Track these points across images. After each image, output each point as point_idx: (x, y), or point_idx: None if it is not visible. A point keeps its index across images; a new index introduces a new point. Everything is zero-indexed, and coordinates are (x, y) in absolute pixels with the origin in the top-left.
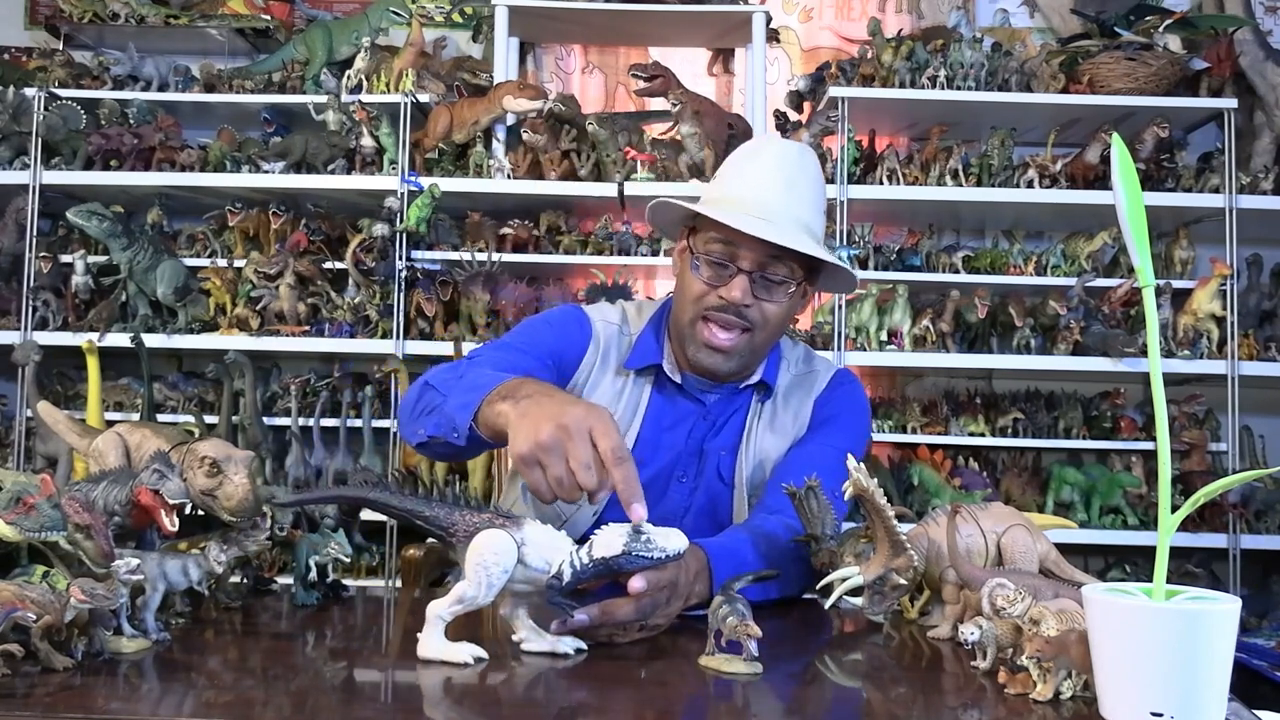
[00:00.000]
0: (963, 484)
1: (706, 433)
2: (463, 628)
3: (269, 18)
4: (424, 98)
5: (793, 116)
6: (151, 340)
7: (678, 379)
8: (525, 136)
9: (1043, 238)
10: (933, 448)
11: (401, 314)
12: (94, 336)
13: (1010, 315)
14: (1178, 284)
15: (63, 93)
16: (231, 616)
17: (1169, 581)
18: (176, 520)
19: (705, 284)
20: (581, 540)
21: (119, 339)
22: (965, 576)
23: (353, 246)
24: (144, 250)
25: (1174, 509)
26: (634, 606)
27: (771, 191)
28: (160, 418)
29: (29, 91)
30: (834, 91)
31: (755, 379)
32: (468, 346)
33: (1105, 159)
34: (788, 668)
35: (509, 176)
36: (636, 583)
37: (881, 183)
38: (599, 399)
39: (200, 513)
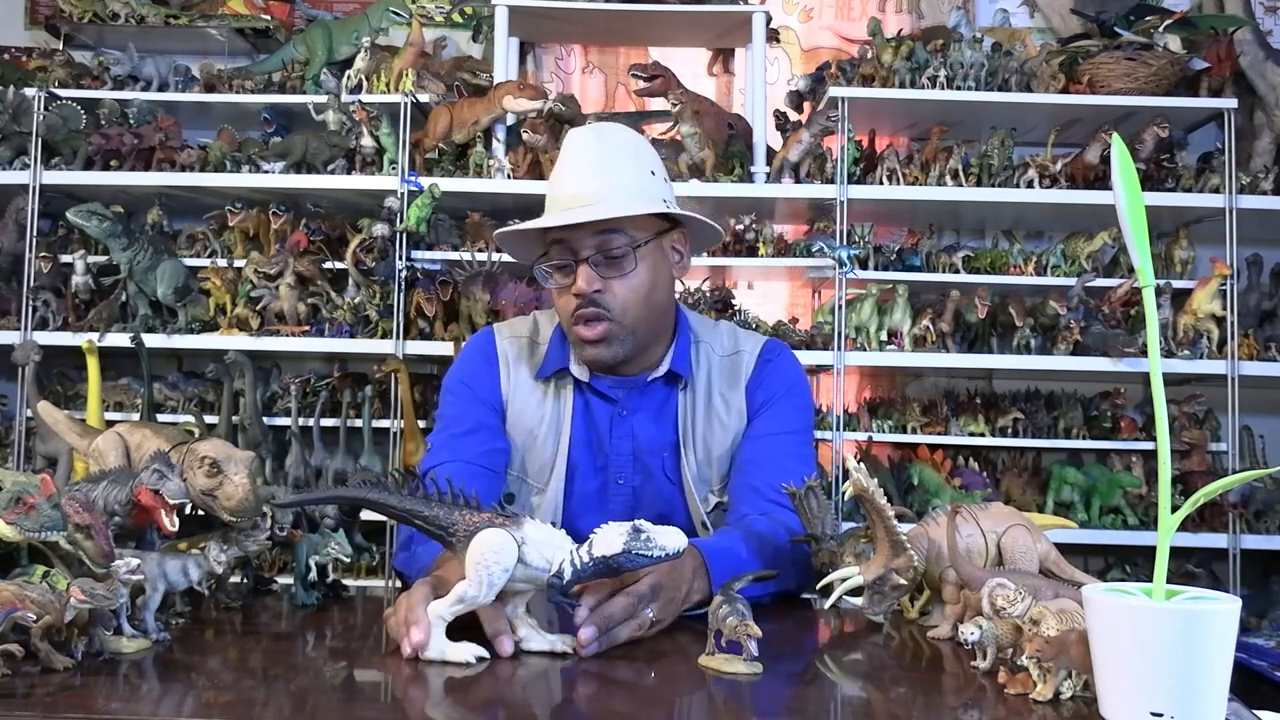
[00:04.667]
0: (963, 484)
1: (630, 430)
2: (463, 628)
3: (269, 18)
4: (424, 98)
5: (793, 116)
6: (151, 340)
7: (586, 378)
8: (525, 136)
9: (1043, 238)
10: (933, 448)
11: (401, 314)
12: (94, 336)
13: (1010, 315)
14: (1178, 284)
15: (63, 93)
16: (231, 616)
17: (1169, 581)
18: (176, 520)
19: (561, 290)
20: (581, 539)
21: (119, 339)
22: (965, 576)
23: (353, 246)
24: (144, 250)
25: (1174, 509)
26: (625, 601)
27: (580, 178)
28: (160, 418)
29: (29, 91)
30: (834, 91)
31: (663, 370)
32: None
33: (1105, 159)
34: (788, 668)
35: (509, 176)
36: (582, 612)
37: (881, 183)
38: (524, 413)
39: (200, 513)
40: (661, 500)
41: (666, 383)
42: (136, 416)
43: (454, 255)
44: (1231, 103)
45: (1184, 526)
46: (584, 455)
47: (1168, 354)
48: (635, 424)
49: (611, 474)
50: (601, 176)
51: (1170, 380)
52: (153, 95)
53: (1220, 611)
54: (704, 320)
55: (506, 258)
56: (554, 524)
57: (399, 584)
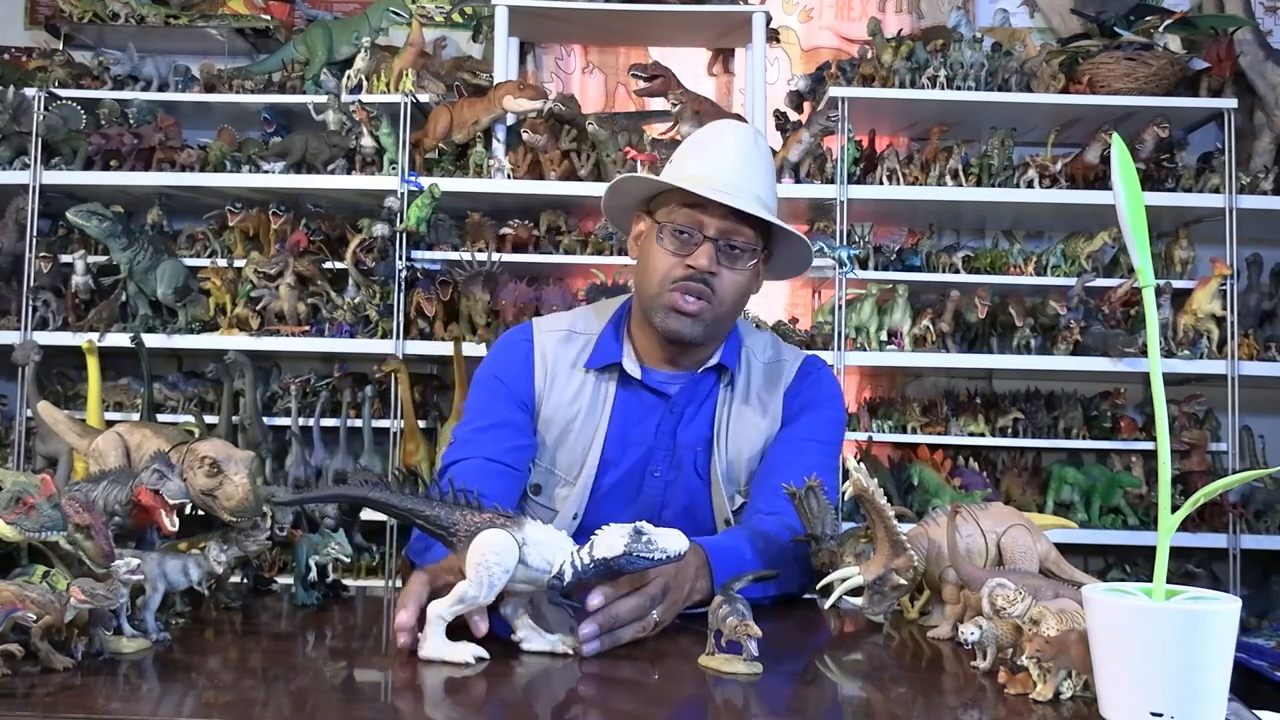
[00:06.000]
0: (963, 484)
1: (675, 425)
2: (463, 628)
3: (269, 18)
4: (424, 98)
5: (793, 116)
6: (151, 340)
7: (638, 375)
8: (525, 136)
9: (1043, 238)
10: (933, 448)
11: (401, 314)
12: (94, 336)
13: (1010, 315)
14: (1178, 284)
15: (63, 93)
16: (231, 616)
17: (1169, 581)
18: (176, 520)
19: (672, 254)
20: (582, 540)
21: (119, 339)
22: (965, 576)
23: (353, 246)
24: (144, 250)
25: (1174, 509)
26: (634, 602)
27: (730, 169)
28: (160, 418)
29: (29, 91)
30: (834, 91)
31: (714, 361)
32: (468, 347)
33: (1105, 159)
34: (788, 668)
35: (509, 176)
36: (594, 599)
37: (881, 183)
38: (560, 407)
39: (200, 513)
40: (688, 495)
41: (715, 375)
42: (136, 416)
43: (454, 255)
44: (1231, 103)
45: (1184, 526)
46: (617, 448)
47: (1168, 354)
48: (681, 419)
49: (650, 466)
50: (750, 177)
51: (1170, 380)
52: (153, 95)
53: (1220, 611)
54: (748, 325)
55: (507, 258)
56: (577, 516)
57: (399, 584)
